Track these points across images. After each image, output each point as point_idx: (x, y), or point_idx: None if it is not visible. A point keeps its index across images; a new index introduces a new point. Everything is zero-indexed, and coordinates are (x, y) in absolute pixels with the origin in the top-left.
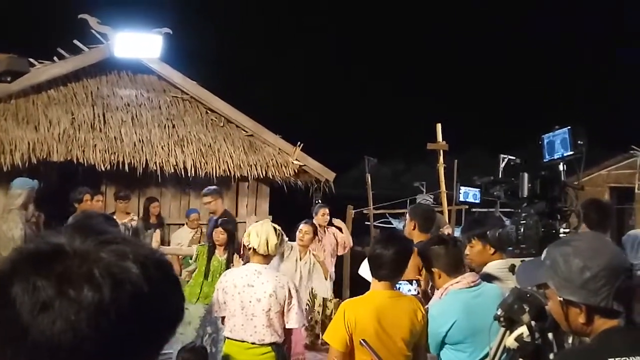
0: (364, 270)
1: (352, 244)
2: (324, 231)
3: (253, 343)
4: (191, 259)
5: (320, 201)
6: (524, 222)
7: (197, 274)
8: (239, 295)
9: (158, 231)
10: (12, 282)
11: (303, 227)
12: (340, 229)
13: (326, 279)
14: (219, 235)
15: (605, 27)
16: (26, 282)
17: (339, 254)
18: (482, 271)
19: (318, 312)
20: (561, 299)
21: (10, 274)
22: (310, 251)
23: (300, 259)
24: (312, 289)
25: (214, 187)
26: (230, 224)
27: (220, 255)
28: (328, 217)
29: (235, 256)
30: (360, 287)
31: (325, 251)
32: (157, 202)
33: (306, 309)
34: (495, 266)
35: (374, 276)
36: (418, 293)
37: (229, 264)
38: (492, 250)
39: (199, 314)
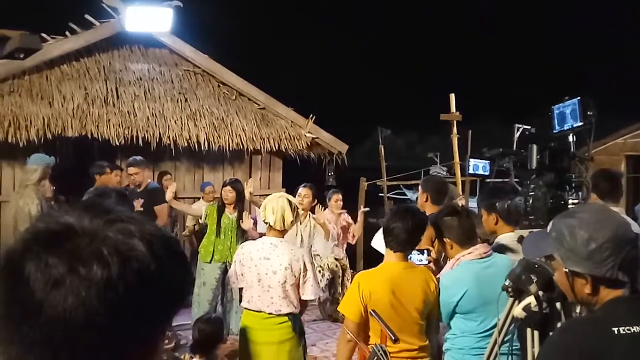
0: (377, 242)
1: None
2: (338, 217)
3: (270, 313)
4: (201, 218)
5: (332, 173)
6: (533, 193)
7: (209, 232)
8: (255, 268)
9: (174, 184)
10: (25, 261)
11: (302, 190)
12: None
13: (327, 240)
14: (228, 193)
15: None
16: (38, 260)
17: (348, 241)
18: (494, 242)
19: (339, 283)
20: (567, 270)
21: (22, 252)
22: (309, 215)
23: (301, 223)
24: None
25: (140, 157)
26: (238, 183)
27: (230, 213)
28: (341, 203)
29: (245, 213)
30: (374, 258)
31: (341, 233)
32: (169, 175)
33: (326, 283)
34: (508, 238)
35: (388, 247)
36: (429, 262)
37: (239, 221)
38: (495, 219)
39: (215, 274)
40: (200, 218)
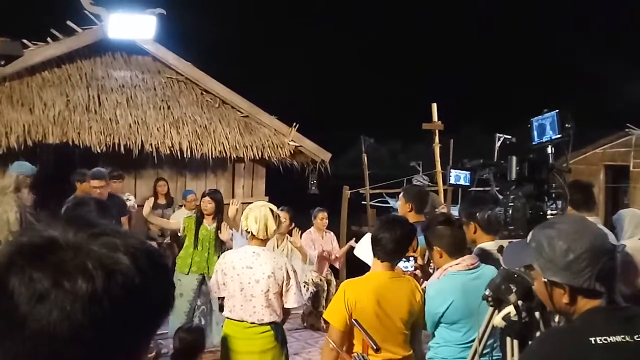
0: (360, 251)
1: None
2: (322, 236)
3: (252, 323)
4: (179, 232)
5: (314, 182)
6: (512, 204)
7: (187, 244)
8: (238, 277)
9: (151, 199)
10: (9, 275)
11: (279, 213)
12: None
13: (305, 263)
14: (207, 204)
15: (603, 9)
16: (22, 274)
17: (334, 264)
18: (474, 251)
19: (323, 297)
20: (546, 280)
21: (7, 266)
22: (287, 238)
23: (277, 247)
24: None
25: (103, 169)
26: (217, 193)
27: (209, 224)
28: (327, 221)
29: (224, 224)
30: (356, 267)
31: (324, 250)
32: (163, 181)
33: (310, 297)
34: (488, 246)
35: (376, 257)
36: (415, 269)
37: (217, 232)
38: (474, 228)
39: (192, 286)
40: (179, 231)
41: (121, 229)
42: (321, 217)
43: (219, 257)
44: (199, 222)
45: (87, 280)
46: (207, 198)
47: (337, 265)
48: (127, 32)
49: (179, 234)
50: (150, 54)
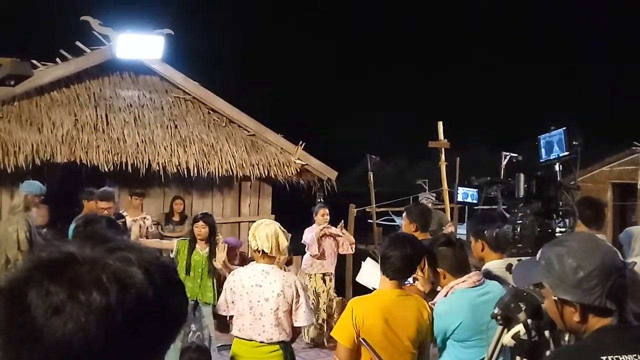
0: (363, 277)
1: (353, 242)
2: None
3: (261, 342)
4: (172, 254)
5: (321, 200)
6: (521, 221)
7: (178, 270)
8: (247, 295)
9: (138, 224)
10: (28, 288)
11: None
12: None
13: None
14: (201, 229)
15: (610, 25)
16: (40, 287)
17: (340, 252)
18: (482, 269)
19: (323, 310)
20: (556, 298)
21: (25, 280)
22: None
23: None
24: None
25: (110, 189)
26: (210, 217)
27: (201, 249)
28: (328, 217)
29: (217, 250)
30: (362, 285)
31: (326, 252)
32: (180, 199)
33: (311, 307)
34: (495, 265)
35: (384, 275)
36: (415, 280)
37: (210, 257)
38: (482, 246)
39: None
40: (171, 253)
41: (136, 244)
42: (322, 214)
43: (212, 282)
44: (191, 248)
45: (101, 294)
46: (200, 222)
47: (350, 249)
48: (135, 52)
49: (171, 255)
50: (158, 73)
